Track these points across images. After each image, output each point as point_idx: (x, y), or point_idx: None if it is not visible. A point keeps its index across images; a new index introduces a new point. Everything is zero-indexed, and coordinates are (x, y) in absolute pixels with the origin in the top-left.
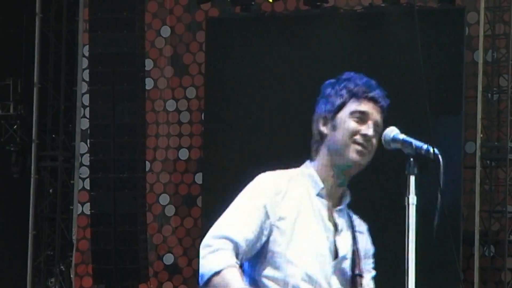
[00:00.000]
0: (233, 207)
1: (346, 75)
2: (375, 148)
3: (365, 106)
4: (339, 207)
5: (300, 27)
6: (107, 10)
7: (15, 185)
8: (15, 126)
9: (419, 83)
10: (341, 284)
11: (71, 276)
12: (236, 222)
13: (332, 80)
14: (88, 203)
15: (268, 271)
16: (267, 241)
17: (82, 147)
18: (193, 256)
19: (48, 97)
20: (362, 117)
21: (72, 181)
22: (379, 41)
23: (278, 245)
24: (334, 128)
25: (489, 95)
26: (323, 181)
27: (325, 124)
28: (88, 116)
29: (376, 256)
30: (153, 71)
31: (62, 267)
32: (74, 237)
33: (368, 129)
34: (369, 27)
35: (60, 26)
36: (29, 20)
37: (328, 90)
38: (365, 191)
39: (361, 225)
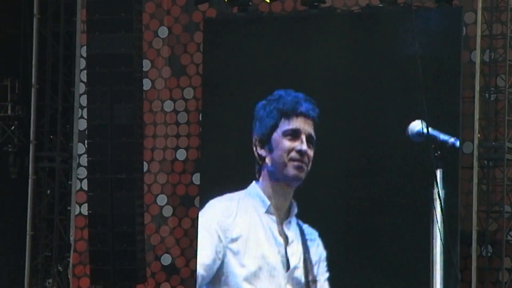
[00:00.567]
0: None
1: (275, 94)
2: (311, 158)
3: (296, 123)
4: (288, 219)
5: (297, 28)
6: (105, 11)
7: (13, 186)
8: (13, 127)
9: (416, 83)
10: None
11: (69, 276)
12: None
13: (264, 102)
14: (86, 204)
15: None
16: (222, 264)
17: (80, 148)
18: (191, 256)
19: (46, 98)
20: (294, 134)
21: (69, 182)
22: (376, 41)
23: (232, 266)
24: (270, 150)
25: (487, 95)
26: (270, 198)
27: (262, 147)
28: (85, 117)
29: (329, 258)
30: (150, 72)
31: (59, 267)
32: (71, 238)
33: (302, 145)
34: (366, 27)
35: (57, 27)
36: (27, 22)
37: (261, 112)
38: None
39: (311, 233)
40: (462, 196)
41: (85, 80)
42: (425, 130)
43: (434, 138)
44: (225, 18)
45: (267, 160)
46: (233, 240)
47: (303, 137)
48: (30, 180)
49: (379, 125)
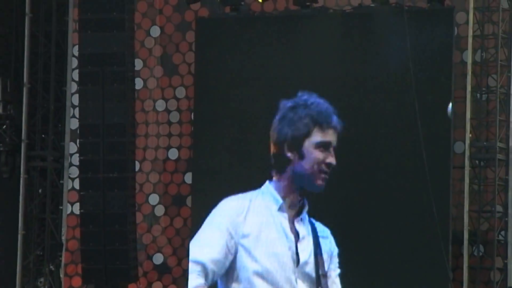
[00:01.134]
0: (199, 233)
1: (304, 98)
2: None
3: (328, 136)
4: (300, 217)
5: (289, 27)
6: (97, 10)
7: (5, 185)
8: (5, 126)
9: (408, 83)
10: (306, 285)
11: (61, 276)
12: (202, 245)
13: (291, 103)
14: (78, 203)
15: (238, 284)
16: (234, 260)
17: (72, 147)
18: (183, 256)
19: (38, 97)
20: (326, 146)
21: (61, 181)
22: (368, 41)
23: (244, 261)
24: (301, 156)
25: (478, 95)
26: (284, 197)
27: (290, 150)
28: (77, 116)
29: (341, 255)
30: (142, 71)
31: (51, 267)
32: (63, 237)
33: (331, 158)
34: (358, 27)
35: (49, 26)
36: (19, 20)
37: (290, 115)
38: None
39: (323, 231)
40: (454, 195)
41: (77, 79)
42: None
43: None
44: (217, 17)
45: (296, 165)
46: (245, 236)
47: (332, 151)
48: (21, 179)
49: (370, 124)
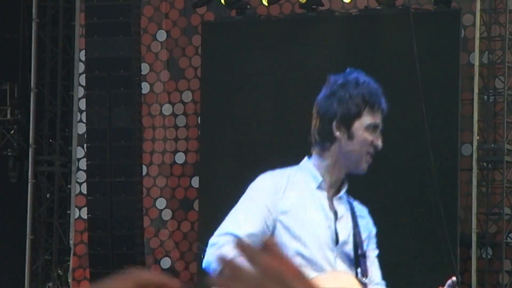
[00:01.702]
0: (236, 208)
1: (354, 76)
2: None
3: (378, 118)
4: (338, 195)
5: (295, 30)
6: (103, 15)
7: (13, 190)
8: (12, 131)
9: (415, 85)
10: (345, 264)
11: (69, 280)
12: (238, 220)
13: (342, 80)
14: (85, 208)
15: None
16: (272, 236)
17: (79, 152)
18: (190, 260)
19: (45, 102)
20: (373, 128)
21: (69, 186)
22: (374, 44)
23: (281, 238)
24: (350, 136)
25: (485, 97)
26: (323, 175)
27: (339, 129)
28: (84, 121)
29: (378, 236)
30: (149, 75)
31: (59, 271)
32: (71, 242)
33: (378, 141)
34: (364, 30)
35: (56, 31)
36: (26, 26)
37: (341, 92)
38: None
39: (362, 210)
40: (462, 198)
41: (83, 84)
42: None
43: None
44: (223, 21)
45: (343, 144)
46: (284, 212)
47: (379, 134)
48: (29, 184)
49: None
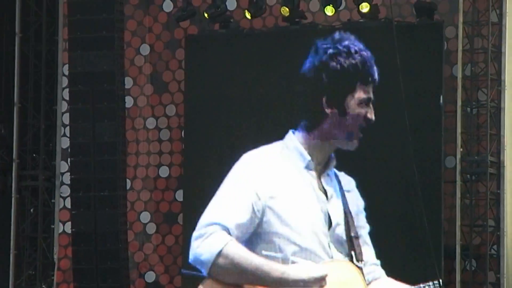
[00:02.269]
0: (221, 192)
1: (346, 44)
2: None
3: (370, 91)
4: (326, 172)
5: (279, 44)
6: (86, 29)
7: None
8: None
9: (398, 98)
10: (338, 250)
11: None
12: (226, 208)
13: (332, 50)
14: (69, 222)
15: (266, 251)
16: (260, 222)
17: (63, 166)
18: (175, 273)
19: (28, 116)
20: (366, 102)
21: (53, 200)
22: None
23: (272, 225)
24: (342, 113)
25: (468, 109)
26: (310, 152)
27: (330, 105)
28: (68, 135)
29: (367, 209)
30: (132, 89)
31: (44, 286)
32: (55, 256)
33: (371, 114)
34: None
35: (39, 45)
36: (9, 40)
37: (332, 64)
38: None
39: (349, 183)
40: (445, 210)
41: (67, 98)
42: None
43: None
44: (207, 35)
45: (334, 120)
46: (273, 197)
47: (371, 106)
48: (13, 199)
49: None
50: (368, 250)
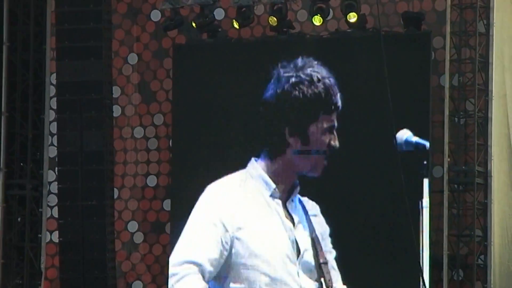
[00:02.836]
0: (190, 227)
1: (308, 73)
2: None
3: (333, 119)
4: (290, 198)
5: (266, 53)
6: (74, 38)
7: None
8: None
9: (385, 108)
10: (308, 276)
11: None
12: (196, 243)
13: (294, 77)
14: (57, 231)
15: (234, 284)
16: (229, 255)
17: (50, 175)
18: (162, 283)
19: (16, 125)
20: (330, 130)
21: (40, 209)
22: (345, 66)
23: (241, 256)
24: (305, 141)
25: (456, 119)
26: (276, 182)
27: (292, 135)
28: (56, 144)
29: (333, 235)
30: (120, 98)
31: None
32: (42, 266)
33: (335, 141)
34: (335, 52)
35: (27, 55)
36: None
37: (295, 93)
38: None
39: (313, 208)
40: (433, 220)
41: (55, 107)
42: (413, 139)
43: (422, 147)
44: (195, 44)
45: (296, 148)
46: (240, 228)
47: (335, 132)
48: (0, 208)
49: (347, 149)
50: (335, 276)
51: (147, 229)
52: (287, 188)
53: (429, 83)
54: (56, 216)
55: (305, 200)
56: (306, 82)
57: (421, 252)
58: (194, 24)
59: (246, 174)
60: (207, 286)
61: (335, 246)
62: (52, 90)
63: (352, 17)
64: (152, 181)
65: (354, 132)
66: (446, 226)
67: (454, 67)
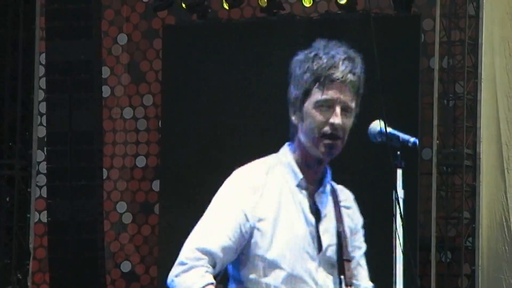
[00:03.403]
0: (209, 213)
1: (314, 47)
2: (347, 130)
3: (329, 92)
4: (320, 189)
5: (256, 34)
6: (64, 18)
7: None
8: None
9: (375, 90)
10: (329, 272)
11: (28, 284)
12: (211, 231)
13: (301, 56)
14: (45, 211)
15: (252, 275)
16: (248, 244)
17: (39, 155)
18: (151, 263)
19: (5, 105)
20: (327, 105)
21: (29, 189)
22: None
23: (259, 247)
24: (302, 119)
25: (445, 101)
26: (302, 169)
27: (294, 113)
28: (45, 124)
29: (366, 227)
30: (110, 79)
31: (19, 275)
32: (31, 246)
33: (335, 118)
34: (325, 34)
35: (16, 34)
36: None
37: (297, 71)
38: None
39: (347, 198)
40: (421, 202)
41: (44, 87)
42: (386, 130)
43: (395, 138)
44: (184, 25)
45: (299, 130)
46: (262, 219)
47: (338, 109)
48: None
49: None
50: (361, 273)
51: (136, 209)
52: (316, 177)
53: (419, 65)
54: (45, 196)
55: (339, 188)
56: (309, 60)
57: (396, 247)
58: (184, 5)
59: (276, 160)
60: (213, 282)
61: (367, 239)
62: (41, 70)
63: None
64: (141, 161)
65: None
66: (434, 208)
67: (443, 50)
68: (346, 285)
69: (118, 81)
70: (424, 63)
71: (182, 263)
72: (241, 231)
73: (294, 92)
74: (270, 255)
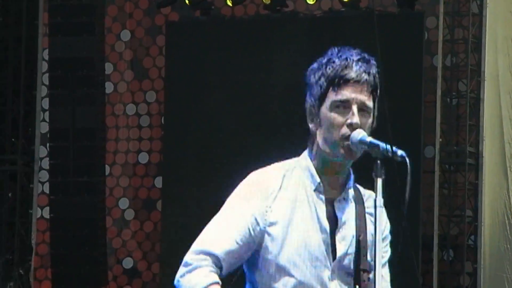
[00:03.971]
0: (219, 215)
1: (327, 53)
2: (370, 127)
3: (344, 93)
4: (341, 196)
5: (260, 31)
6: (67, 14)
7: None
8: None
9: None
10: (344, 281)
11: (30, 280)
12: (219, 234)
13: (315, 65)
14: (48, 207)
15: (264, 279)
16: (258, 248)
17: (42, 151)
18: (153, 260)
19: (8, 101)
20: (344, 105)
21: (31, 185)
22: (338, 45)
23: (269, 252)
24: (320, 124)
25: (448, 99)
26: (321, 174)
27: (312, 121)
28: (47, 120)
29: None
30: (113, 75)
31: (21, 271)
32: (33, 241)
33: (352, 118)
34: (328, 31)
35: (19, 30)
36: None
37: (311, 79)
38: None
39: (374, 204)
40: (424, 200)
41: (47, 83)
42: (367, 139)
43: (375, 147)
44: (188, 21)
45: (318, 136)
46: (273, 223)
47: (354, 108)
48: None
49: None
50: (382, 283)
51: (138, 206)
52: (337, 183)
53: (422, 63)
54: (47, 192)
55: (367, 194)
56: (322, 66)
57: (374, 252)
58: (187, 1)
59: (295, 164)
60: (219, 282)
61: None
62: (44, 66)
63: None
64: (143, 158)
65: None
66: (437, 206)
67: (447, 48)
68: None
69: (121, 78)
70: (427, 61)
71: (187, 264)
72: (250, 235)
73: (310, 99)
74: (280, 261)
